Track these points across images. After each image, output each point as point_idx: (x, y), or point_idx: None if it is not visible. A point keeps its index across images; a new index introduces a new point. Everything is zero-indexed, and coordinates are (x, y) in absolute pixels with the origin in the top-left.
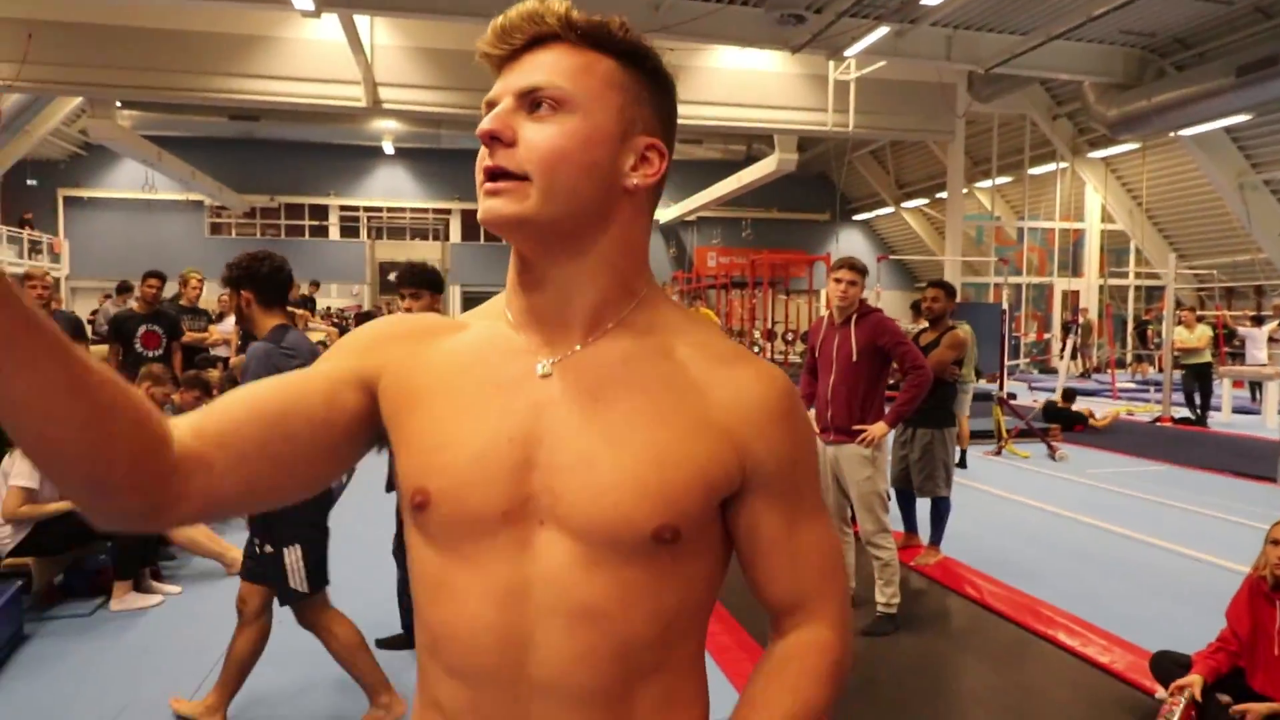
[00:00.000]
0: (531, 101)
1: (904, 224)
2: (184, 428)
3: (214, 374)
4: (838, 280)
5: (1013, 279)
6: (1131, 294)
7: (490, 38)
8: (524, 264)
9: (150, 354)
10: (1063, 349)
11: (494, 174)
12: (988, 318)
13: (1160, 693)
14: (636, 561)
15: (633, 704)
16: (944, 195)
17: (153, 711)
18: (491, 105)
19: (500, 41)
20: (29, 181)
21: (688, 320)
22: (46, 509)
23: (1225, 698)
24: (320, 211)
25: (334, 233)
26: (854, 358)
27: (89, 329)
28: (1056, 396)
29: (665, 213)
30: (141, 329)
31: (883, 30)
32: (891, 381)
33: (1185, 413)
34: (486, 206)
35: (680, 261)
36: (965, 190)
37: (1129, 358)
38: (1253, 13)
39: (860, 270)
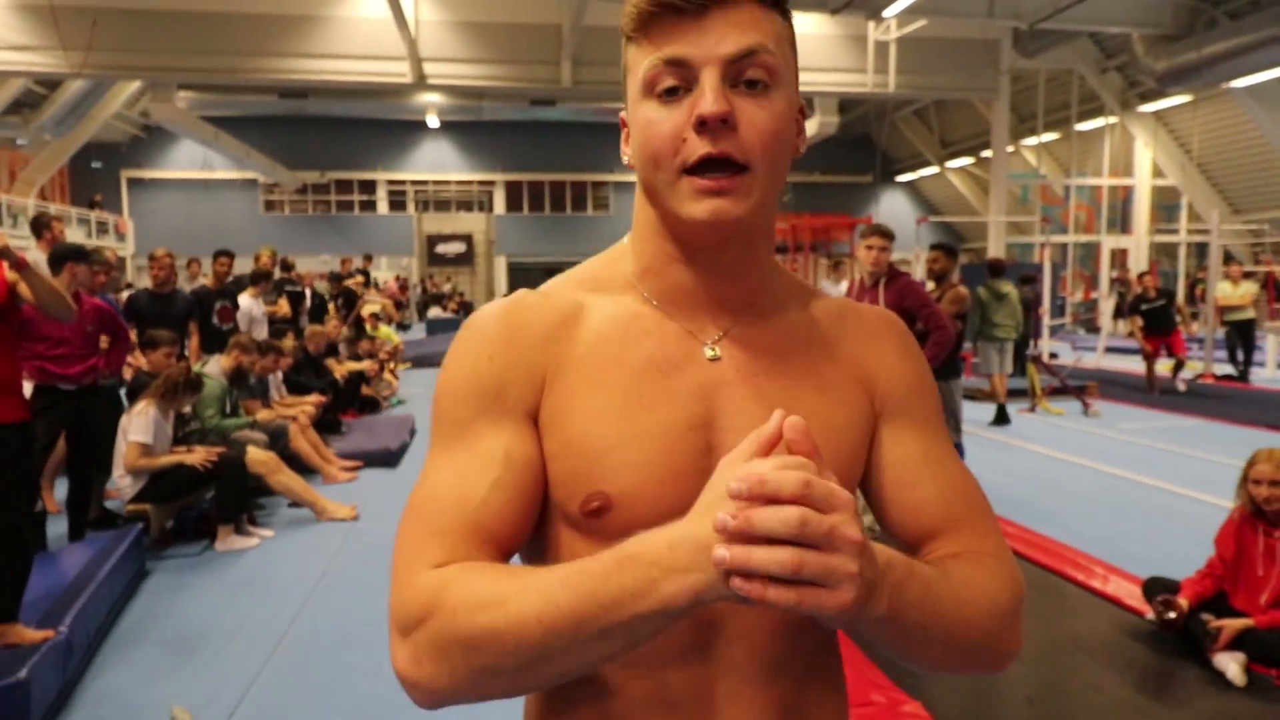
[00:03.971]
0: (738, 72)
1: (948, 184)
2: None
3: (287, 343)
4: (869, 247)
5: (1058, 238)
6: (1183, 250)
7: None
8: (691, 248)
9: (224, 328)
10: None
11: (717, 164)
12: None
13: (1150, 614)
14: None
15: (809, 681)
16: (989, 154)
17: (264, 632)
18: (677, 65)
19: None
20: (94, 164)
21: (800, 283)
22: (160, 461)
23: (1209, 616)
24: (368, 186)
25: (382, 207)
26: None
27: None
28: (1097, 356)
29: None
30: (217, 304)
31: None
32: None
33: (1230, 369)
34: (713, 209)
35: None
36: (1011, 148)
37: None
38: None
39: (889, 236)
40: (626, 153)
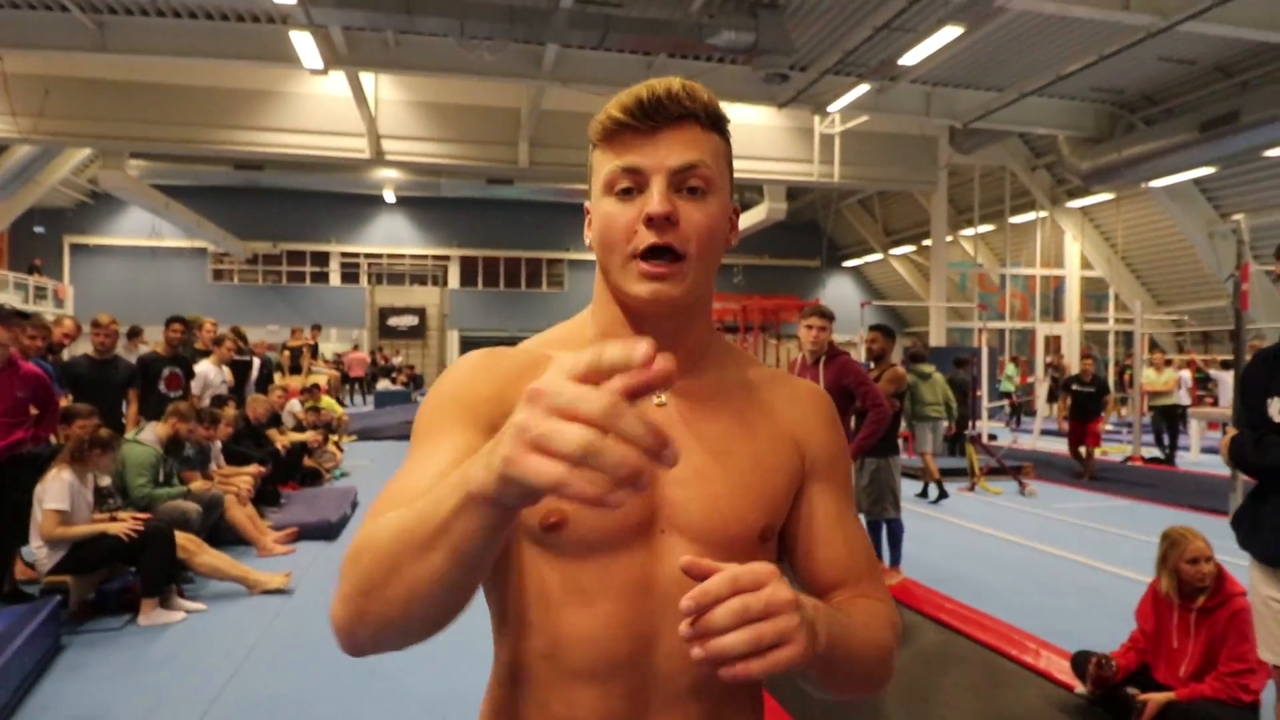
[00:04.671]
0: (681, 180)
1: (892, 270)
2: None
3: (228, 411)
4: (809, 327)
5: (995, 324)
6: (1111, 338)
7: (634, 108)
8: (639, 317)
9: (172, 395)
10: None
11: (660, 252)
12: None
13: (1079, 688)
14: (743, 558)
15: (730, 699)
16: (930, 243)
17: (183, 711)
18: (633, 172)
19: (645, 116)
20: (36, 229)
21: (741, 353)
22: (79, 530)
23: (1134, 690)
24: (321, 258)
25: (335, 279)
26: None
27: None
28: (1033, 438)
29: None
30: (165, 371)
31: (864, 88)
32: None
33: (1156, 452)
34: (653, 290)
35: None
36: (950, 238)
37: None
38: (1214, 71)
39: (828, 317)
40: (589, 236)
